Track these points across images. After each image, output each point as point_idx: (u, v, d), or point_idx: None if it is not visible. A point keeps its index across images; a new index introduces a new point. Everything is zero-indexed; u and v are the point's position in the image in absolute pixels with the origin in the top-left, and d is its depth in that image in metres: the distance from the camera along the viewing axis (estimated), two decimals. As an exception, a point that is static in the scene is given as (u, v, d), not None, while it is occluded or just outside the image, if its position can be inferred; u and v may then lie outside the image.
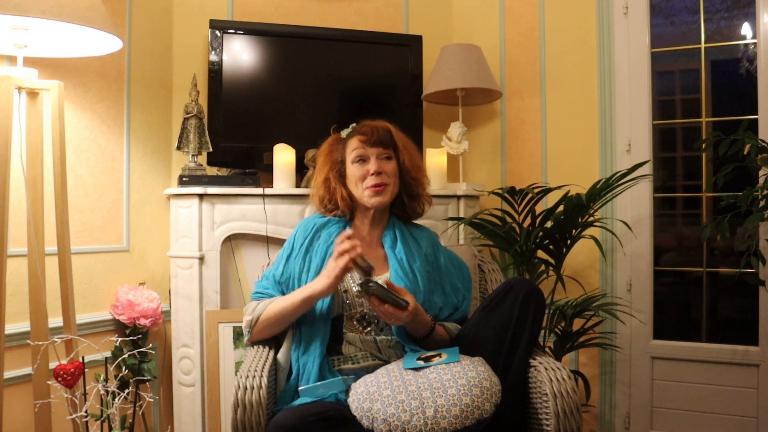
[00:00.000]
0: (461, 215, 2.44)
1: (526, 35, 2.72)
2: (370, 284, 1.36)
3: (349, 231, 1.45)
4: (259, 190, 2.19)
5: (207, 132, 2.22)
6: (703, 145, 2.07)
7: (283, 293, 1.55)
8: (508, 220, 2.15)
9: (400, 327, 1.46)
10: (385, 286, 1.38)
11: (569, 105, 2.65)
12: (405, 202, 1.63)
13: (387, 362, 1.45)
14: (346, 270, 1.38)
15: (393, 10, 2.74)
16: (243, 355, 2.13)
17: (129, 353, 2.03)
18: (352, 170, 1.57)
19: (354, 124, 1.64)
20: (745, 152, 1.89)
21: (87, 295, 2.10)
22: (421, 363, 1.35)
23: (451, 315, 1.59)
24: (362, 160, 1.56)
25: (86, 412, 1.68)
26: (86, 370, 1.73)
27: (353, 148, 1.58)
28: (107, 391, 1.71)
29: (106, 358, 1.89)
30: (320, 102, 2.49)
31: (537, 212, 2.06)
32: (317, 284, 1.42)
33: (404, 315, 1.38)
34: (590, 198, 1.98)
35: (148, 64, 2.31)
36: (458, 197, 2.45)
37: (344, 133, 1.64)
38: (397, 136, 1.62)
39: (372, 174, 1.54)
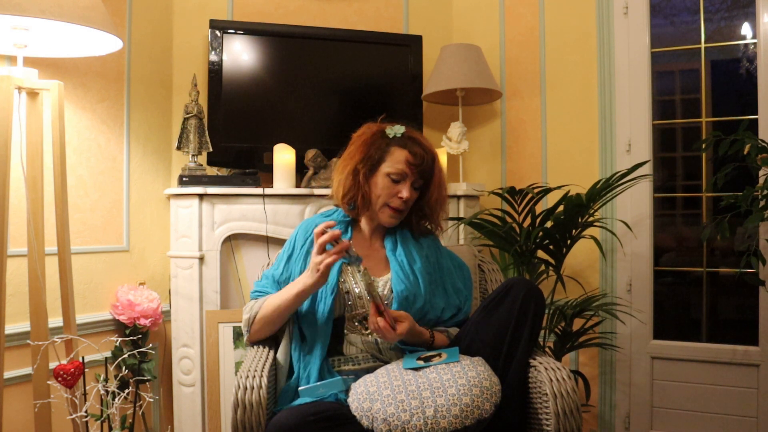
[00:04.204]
0: (461, 215, 2.44)
1: (526, 35, 2.72)
2: (357, 265, 1.41)
3: (327, 222, 1.42)
4: (259, 190, 2.19)
5: (207, 132, 2.22)
6: (703, 145, 2.07)
7: None
8: (508, 220, 2.15)
9: None
10: (381, 296, 1.38)
11: (569, 105, 2.65)
12: (412, 221, 1.62)
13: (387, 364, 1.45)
14: (331, 264, 1.37)
15: (393, 10, 2.74)
16: (243, 355, 2.13)
17: (129, 353, 2.03)
18: (383, 180, 1.53)
19: (404, 128, 1.56)
20: (745, 152, 1.89)
21: (87, 295, 2.10)
22: (421, 363, 1.35)
23: (454, 316, 1.58)
24: (399, 179, 1.52)
25: (86, 412, 1.68)
26: (86, 370, 1.73)
27: (398, 160, 1.52)
28: (107, 391, 1.71)
29: (106, 358, 1.89)
30: (320, 102, 2.48)
31: (537, 212, 2.06)
32: (306, 279, 1.42)
33: (390, 336, 1.36)
34: (590, 198, 1.98)
35: (148, 64, 2.31)
36: (458, 197, 2.45)
37: (391, 133, 1.55)
38: (437, 169, 1.58)
39: (400, 197, 1.52)
